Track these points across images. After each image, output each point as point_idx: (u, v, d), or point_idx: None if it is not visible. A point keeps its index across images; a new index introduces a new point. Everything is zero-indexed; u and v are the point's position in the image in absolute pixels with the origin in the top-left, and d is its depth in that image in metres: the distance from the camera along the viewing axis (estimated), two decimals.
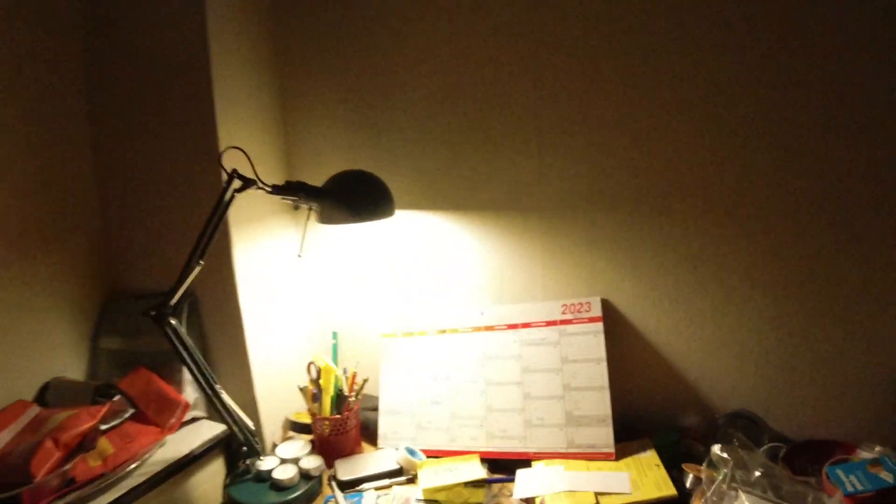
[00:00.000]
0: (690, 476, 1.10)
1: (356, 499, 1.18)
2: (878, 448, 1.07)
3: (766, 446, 1.14)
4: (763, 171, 1.14)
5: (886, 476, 0.97)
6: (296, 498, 1.18)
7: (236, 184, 1.12)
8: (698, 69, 1.14)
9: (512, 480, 1.18)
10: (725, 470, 1.04)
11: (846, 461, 1.04)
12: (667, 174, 1.20)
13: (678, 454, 1.19)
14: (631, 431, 1.24)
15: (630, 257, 1.27)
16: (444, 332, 1.39)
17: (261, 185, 1.14)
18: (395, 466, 1.25)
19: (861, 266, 1.11)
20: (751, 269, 1.19)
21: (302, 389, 1.34)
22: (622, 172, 1.24)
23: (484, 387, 1.32)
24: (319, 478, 1.24)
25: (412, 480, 1.22)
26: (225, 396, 1.18)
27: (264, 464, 1.24)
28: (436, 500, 1.15)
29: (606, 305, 1.29)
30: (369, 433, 1.40)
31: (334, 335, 1.46)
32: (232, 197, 1.12)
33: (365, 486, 1.22)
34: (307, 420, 1.42)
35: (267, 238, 1.44)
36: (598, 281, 1.30)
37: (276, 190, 1.17)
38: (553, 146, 1.28)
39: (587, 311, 1.28)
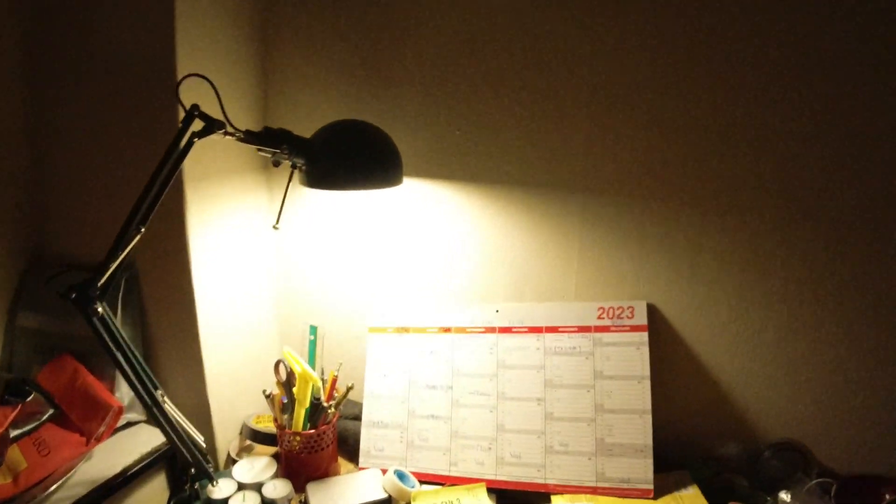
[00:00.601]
0: None
1: None
2: None
3: (814, 481, 1.04)
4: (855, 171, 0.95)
5: None
6: None
7: (197, 125, 0.84)
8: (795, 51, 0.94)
9: None
10: None
11: None
12: (740, 164, 1.01)
13: (718, 490, 1.04)
14: (658, 461, 1.06)
15: (687, 257, 1.07)
16: (448, 330, 1.17)
17: (231, 129, 0.87)
18: (381, 495, 1.05)
19: None
20: (826, 285, 1.02)
21: (268, 397, 1.07)
22: (687, 156, 1.03)
23: (496, 401, 1.12)
24: None
25: None
26: (169, 407, 0.91)
27: (218, 490, 1.00)
28: None
29: (652, 312, 1.10)
30: (348, 448, 1.19)
31: (312, 330, 1.21)
32: (190, 142, 0.84)
33: None
34: (270, 428, 1.18)
35: (231, 202, 1.18)
36: (644, 282, 1.11)
37: (251, 138, 0.90)
38: (608, 113, 1.05)
39: (629, 318, 1.09)
